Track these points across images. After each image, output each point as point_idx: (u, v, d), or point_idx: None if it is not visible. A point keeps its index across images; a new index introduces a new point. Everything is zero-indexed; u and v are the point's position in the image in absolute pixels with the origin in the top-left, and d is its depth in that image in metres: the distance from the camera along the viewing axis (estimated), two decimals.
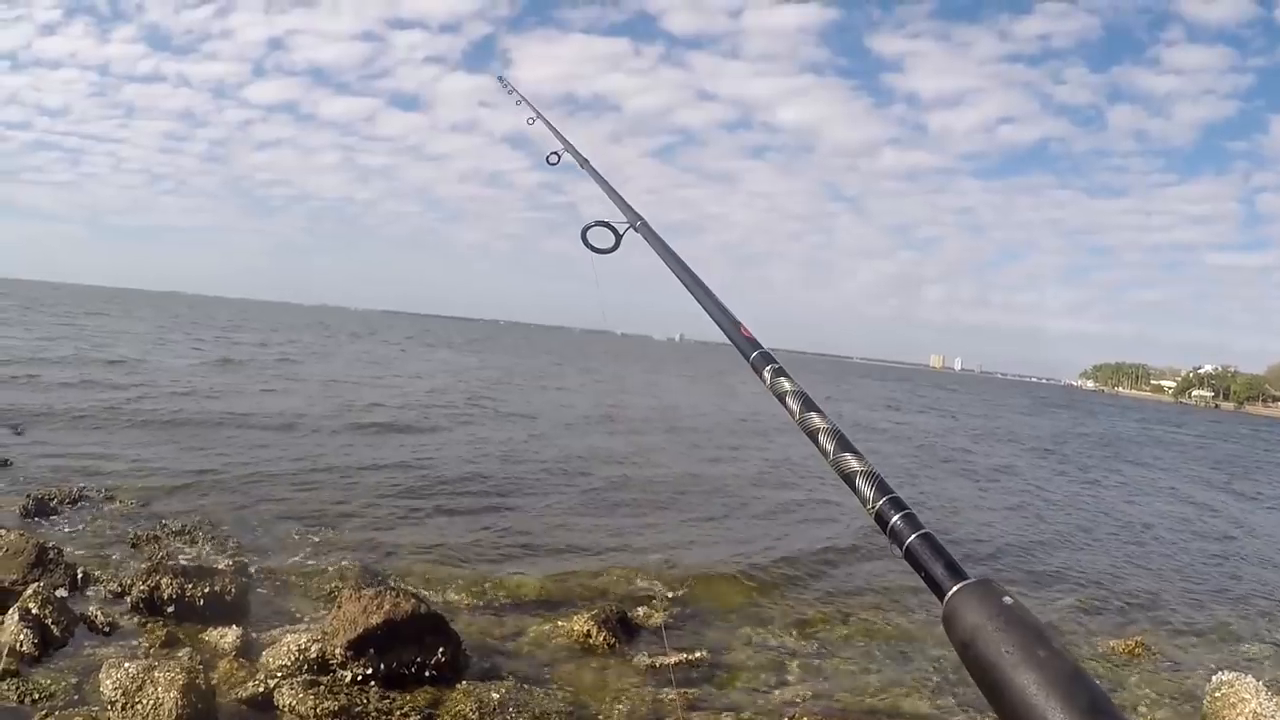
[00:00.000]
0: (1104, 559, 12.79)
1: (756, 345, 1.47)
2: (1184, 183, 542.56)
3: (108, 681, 4.84)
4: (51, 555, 6.79)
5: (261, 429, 16.20)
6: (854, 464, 1.12)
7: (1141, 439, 45.04)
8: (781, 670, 6.87)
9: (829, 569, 10.04)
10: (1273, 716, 6.10)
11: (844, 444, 1.16)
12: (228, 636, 6.07)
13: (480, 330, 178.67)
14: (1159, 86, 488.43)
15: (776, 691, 6.43)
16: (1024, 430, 41.21)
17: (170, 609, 6.28)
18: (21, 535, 7.02)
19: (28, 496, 9.10)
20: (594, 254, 2.17)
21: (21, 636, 5.45)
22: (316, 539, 9.12)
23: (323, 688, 5.25)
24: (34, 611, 5.66)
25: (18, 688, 5.02)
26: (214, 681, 5.26)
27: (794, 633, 7.76)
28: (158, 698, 4.72)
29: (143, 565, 6.83)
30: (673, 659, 6.62)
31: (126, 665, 4.93)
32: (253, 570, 7.69)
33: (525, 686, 5.75)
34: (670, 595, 8.34)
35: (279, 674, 5.46)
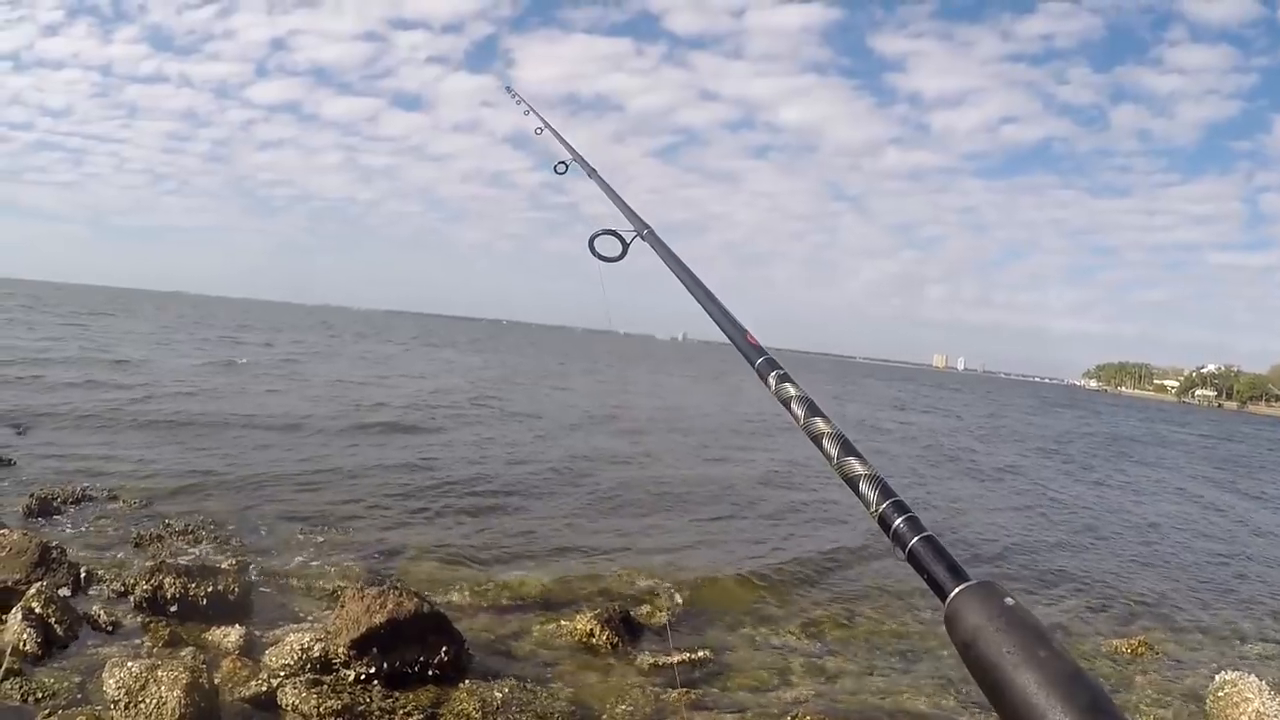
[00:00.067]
0: (1108, 558, 12.78)
1: (762, 352, 1.49)
2: (1187, 183, 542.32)
3: (111, 680, 4.85)
4: (55, 555, 6.80)
5: (266, 429, 16.22)
6: (858, 468, 1.13)
7: (1146, 438, 44.98)
8: (785, 670, 6.87)
9: (832, 569, 10.04)
10: (1276, 716, 6.09)
11: (848, 448, 1.17)
12: (231, 636, 6.08)
13: (483, 330, 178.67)
14: (1162, 86, 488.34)
15: (780, 691, 6.42)
16: (1029, 430, 41.18)
17: (173, 608, 6.29)
18: (25, 535, 7.03)
19: (31, 496, 9.12)
20: (601, 263, 2.18)
21: (25, 636, 5.47)
22: (320, 539, 9.13)
23: (326, 687, 5.26)
24: (37, 611, 5.67)
25: (21, 687, 5.03)
26: (217, 681, 5.26)
27: (798, 632, 7.76)
28: (161, 697, 4.73)
29: (146, 564, 6.84)
30: (676, 658, 6.62)
31: (130, 664, 4.94)
32: (256, 570, 7.71)
33: (528, 686, 5.75)
34: (673, 595, 8.34)
35: (282, 673, 5.46)
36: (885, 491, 1.08)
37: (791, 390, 1.32)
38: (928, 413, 45.67)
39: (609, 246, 2.19)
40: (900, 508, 1.06)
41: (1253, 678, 6.56)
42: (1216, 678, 6.76)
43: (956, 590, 0.93)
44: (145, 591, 6.33)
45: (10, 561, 6.57)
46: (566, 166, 3.14)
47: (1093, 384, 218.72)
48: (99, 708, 4.86)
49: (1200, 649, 8.72)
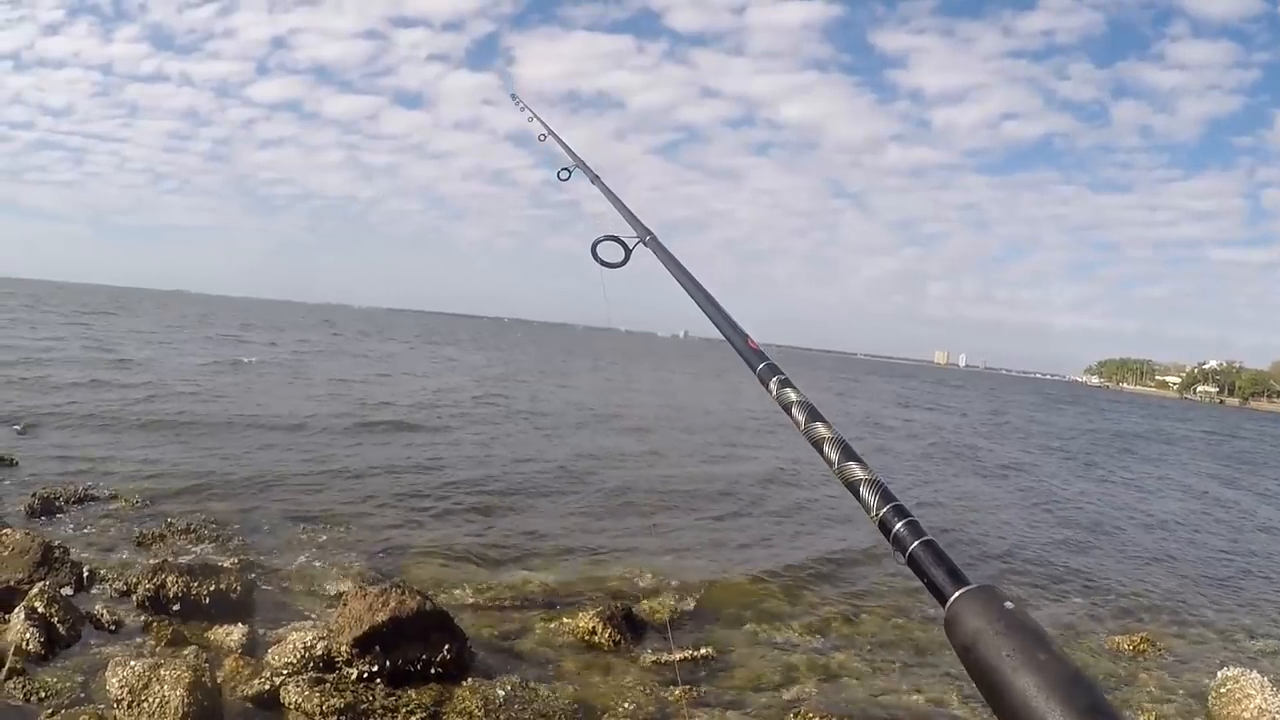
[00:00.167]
0: (1112, 555, 12.79)
1: (763, 357, 1.49)
2: (1188, 178, 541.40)
3: (114, 680, 4.86)
4: (57, 554, 6.81)
5: (270, 429, 16.22)
6: (858, 472, 1.14)
7: (1149, 434, 44.98)
8: (787, 668, 6.87)
9: (835, 569, 10.02)
10: (1278, 713, 6.09)
11: (848, 453, 1.17)
12: (233, 634, 6.09)
13: (484, 328, 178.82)
14: (1163, 82, 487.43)
15: (782, 689, 6.42)
16: (1032, 426, 41.21)
17: (176, 607, 6.30)
18: (27, 534, 7.04)
19: (34, 495, 9.13)
20: (604, 269, 2.19)
21: (28, 635, 5.47)
22: (323, 538, 9.13)
23: (328, 685, 5.26)
24: (40, 610, 5.68)
25: (24, 686, 5.04)
26: (220, 679, 5.27)
27: (800, 631, 7.75)
28: (164, 695, 4.74)
29: (148, 564, 6.85)
30: (678, 656, 6.63)
31: (132, 663, 4.95)
32: (258, 569, 7.72)
33: (530, 684, 5.75)
34: (676, 593, 8.34)
35: (285, 672, 5.47)
36: (885, 496, 1.09)
37: (793, 395, 1.33)
38: (931, 410, 45.66)
39: (612, 252, 2.20)
40: (900, 512, 1.06)
41: (1255, 674, 6.56)
42: (1218, 674, 6.77)
43: (956, 594, 0.93)
44: (148, 590, 6.33)
45: (13, 561, 6.58)
46: (570, 173, 3.14)
47: (1094, 380, 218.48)
48: (102, 707, 4.87)
49: (1202, 645, 8.72)
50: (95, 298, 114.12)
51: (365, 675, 5.48)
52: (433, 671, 5.67)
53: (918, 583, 0.99)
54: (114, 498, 9.80)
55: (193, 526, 8.81)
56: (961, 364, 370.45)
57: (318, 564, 8.21)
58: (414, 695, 5.43)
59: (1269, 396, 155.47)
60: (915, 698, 6.54)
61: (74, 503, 9.35)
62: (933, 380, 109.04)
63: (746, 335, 1.60)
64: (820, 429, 1.24)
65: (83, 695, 5.08)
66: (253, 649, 5.95)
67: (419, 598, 5.93)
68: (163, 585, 6.32)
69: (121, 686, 4.80)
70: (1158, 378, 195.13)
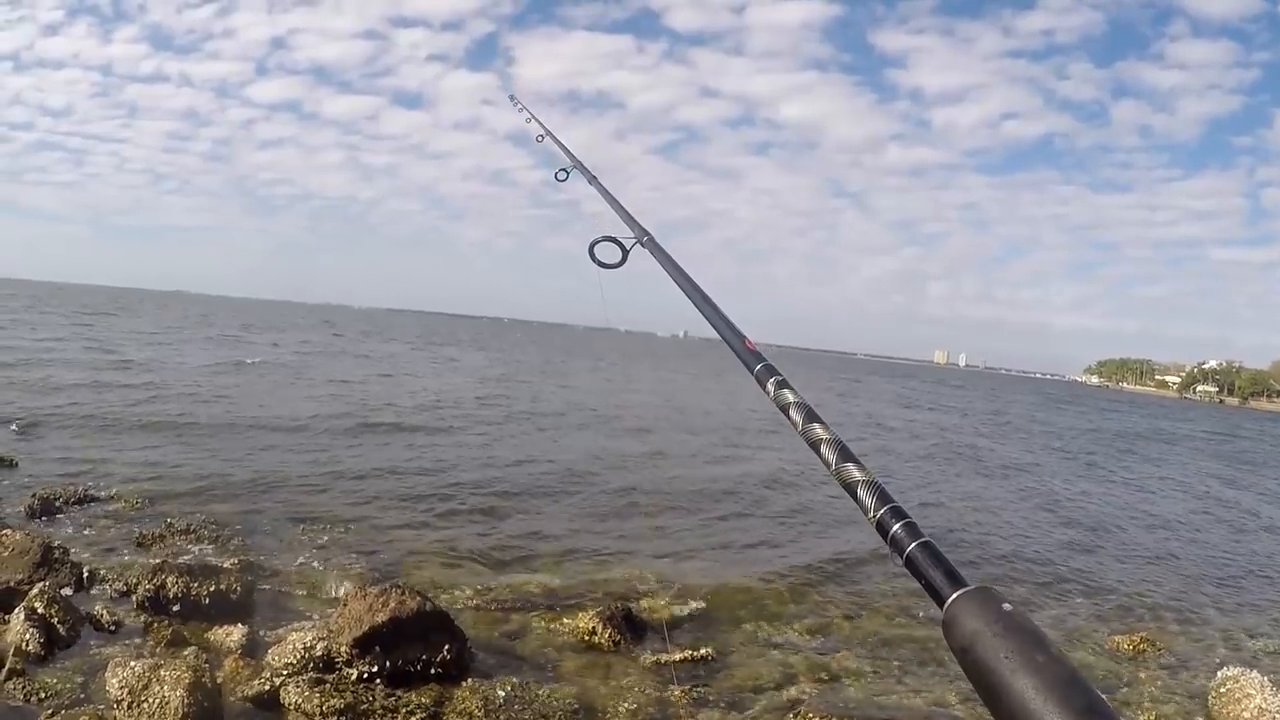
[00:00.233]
0: (1113, 555, 12.79)
1: (760, 358, 1.49)
2: (1188, 178, 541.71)
3: (114, 680, 4.86)
4: (57, 555, 6.81)
5: (271, 430, 16.21)
6: (856, 474, 1.14)
7: (1149, 434, 44.97)
8: (787, 669, 6.86)
9: (836, 571, 10.00)
10: (1278, 712, 6.09)
11: (845, 454, 1.18)
12: (233, 635, 6.09)
13: (484, 328, 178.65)
14: (1163, 82, 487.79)
15: (782, 690, 6.42)
16: (1033, 426, 41.25)
17: (176, 608, 6.30)
18: (27, 535, 7.05)
19: (34, 496, 9.13)
20: (601, 269, 2.19)
21: (27, 636, 5.48)
22: (323, 539, 9.13)
23: (328, 686, 5.26)
24: (40, 611, 5.68)
25: (24, 687, 5.04)
26: (220, 680, 5.28)
27: (800, 632, 7.74)
28: (164, 696, 4.74)
29: (148, 564, 6.85)
30: (677, 656, 6.63)
31: (132, 664, 4.95)
32: (258, 569, 7.71)
33: (530, 684, 5.76)
34: (676, 594, 8.34)
35: (285, 672, 5.47)
36: (883, 497, 1.09)
37: (790, 397, 1.33)
38: (932, 410, 45.64)
39: (609, 253, 2.20)
40: (898, 513, 1.06)
41: (1255, 674, 6.56)
42: (1218, 674, 6.77)
43: (954, 596, 0.93)
44: (148, 591, 6.33)
45: (13, 561, 6.58)
46: (568, 174, 3.14)
47: (1094, 380, 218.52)
48: (102, 707, 4.87)
49: (1202, 645, 8.71)
50: (96, 298, 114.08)
51: (365, 676, 5.48)
52: (433, 672, 5.67)
53: (918, 585, 0.99)
54: (114, 498, 9.80)
55: (193, 527, 8.81)
56: (961, 364, 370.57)
57: (318, 565, 8.21)
58: (414, 696, 5.43)
59: (1269, 396, 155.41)
60: (915, 699, 6.53)
61: (74, 503, 9.34)
62: (933, 380, 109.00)
63: (744, 336, 1.60)
64: (817, 430, 1.24)
65: (82, 696, 5.08)
66: (253, 649, 5.95)
67: (419, 598, 5.93)
68: (163, 586, 6.33)
69: (121, 687, 4.80)
70: (1157, 377, 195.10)
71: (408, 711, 5.24)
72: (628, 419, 24.42)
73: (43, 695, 5.01)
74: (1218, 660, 7.81)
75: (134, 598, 6.47)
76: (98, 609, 6.27)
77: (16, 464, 10.99)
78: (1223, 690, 6.49)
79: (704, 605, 8.11)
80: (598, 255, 2.18)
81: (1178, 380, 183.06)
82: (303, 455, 14.00)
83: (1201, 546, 14.44)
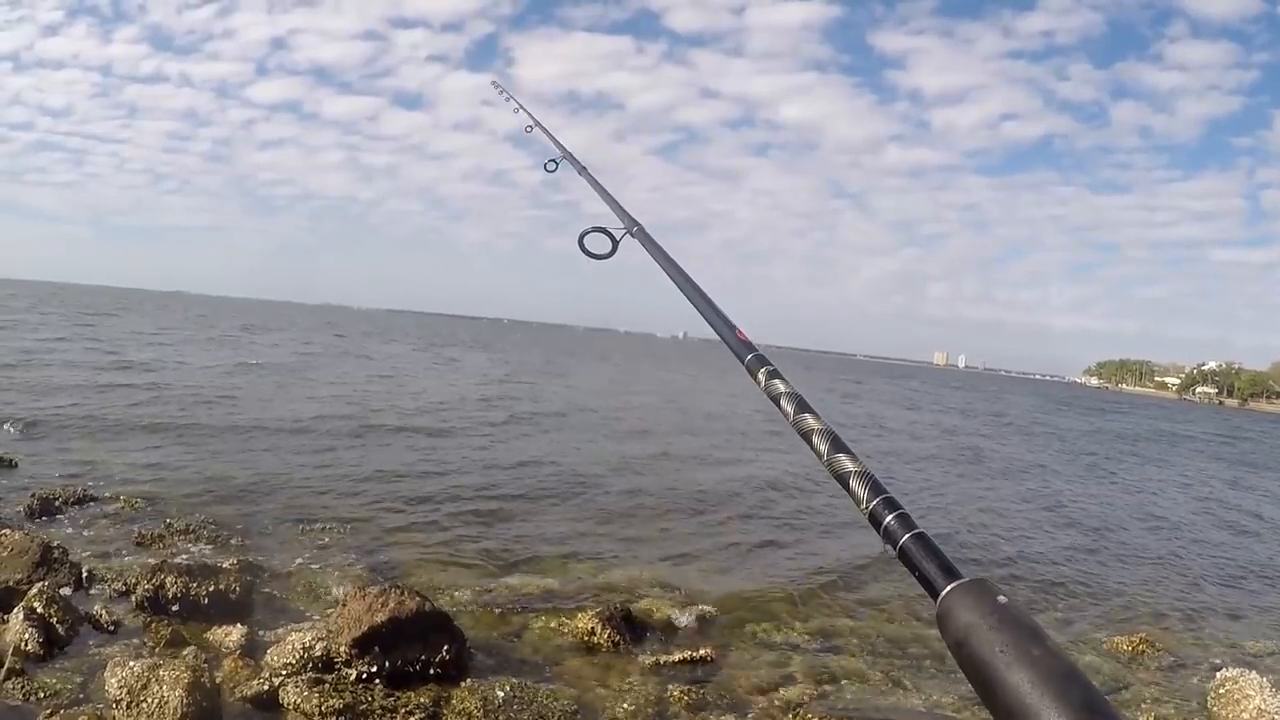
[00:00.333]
0: (1112, 555, 12.79)
1: (751, 348, 1.47)
2: (1188, 179, 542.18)
3: (113, 680, 4.86)
4: (56, 554, 6.80)
5: (272, 431, 16.16)
6: (848, 465, 1.12)
7: (1150, 435, 44.96)
8: (787, 670, 6.85)
9: (837, 573, 9.97)
10: (1277, 713, 6.08)
11: (838, 445, 1.16)
12: (232, 635, 6.08)
13: (485, 329, 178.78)
14: (1163, 82, 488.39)
15: (782, 690, 6.41)
16: (1035, 428, 41.25)
17: (175, 608, 6.29)
18: (26, 535, 7.05)
19: (33, 496, 9.12)
20: (591, 259, 2.19)
21: (26, 635, 5.47)
22: (323, 540, 9.13)
23: (327, 686, 5.26)
24: (39, 610, 5.68)
25: (23, 686, 5.04)
26: (219, 680, 5.27)
27: (800, 633, 7.72)
28: (163, 696, 4.74)
29: (147, 564, 6.85)
30: (676, 657, 6.63)
31: (131, 664, 4.95)
32: (258, 569, 7.69)
33: (529, 684, 5.75)
34: (675, 594, 8.34)
35: (284, 672, 5.46)
36: (876, 488, 1.07)
37: (781, 387, 1.31)
38: (934, 411, 45.63)
39: (599, 244, 2.20)
40: (891, 504, 1.04)
41: (1254, 675, 6.55)
42: (1217, 675, 6.76)
43: (948, 588, 0.91)
44: (147, 591, 6.33)
45: (12, 561, 6.58)
46: (557, 164, 3.13)
47: (1094, 381, 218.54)
48: (101, 707, 4.87)
49: (1202, 646, 8.70)
50: (97, 299, 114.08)
51: (364, 676, 5.48)
52: (432, 672, 5.67)
53: (920, 586, 0.98)
54: (113, 499, 9.79)
55: (192, 527, 8.80)
56: (961, 365, 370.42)
57: (317, 565, 8.20)
58: (413, 696, 5.43)
59: (1268, 397, 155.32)
60: (915, 699, 6.53)
61: (73, 503, 9.33)
62: (933, 381, 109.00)
63: (735, 327, 1.59)
64: (809, 420, 1.22)
65: (81, 695, 5.07)
66: (252, 649, 5.94)
67: (418, 599, 5.93)
68: (162, 586, 6.32)
69: (120, 687, 4.80)
70: (1157, 379, 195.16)
71: (407, 711, 5.24)
72: (629, 420, 24.38)
73: (42, 695, 5.00)
74: (1217, 661, 7.80)
75: (133, 597, 6.47)
76: (97, 609, 6.26)
77: (16, 464, 10.98)
78: (1222, 691, 6.48)
79: (704, 606, 8.09)
80: (587, 246, 2.17)
81: (1177, 382, 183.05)
82: (303, 456, 13.99)
83: (1202, 547, 14.43)
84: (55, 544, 7.01)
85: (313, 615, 6.82)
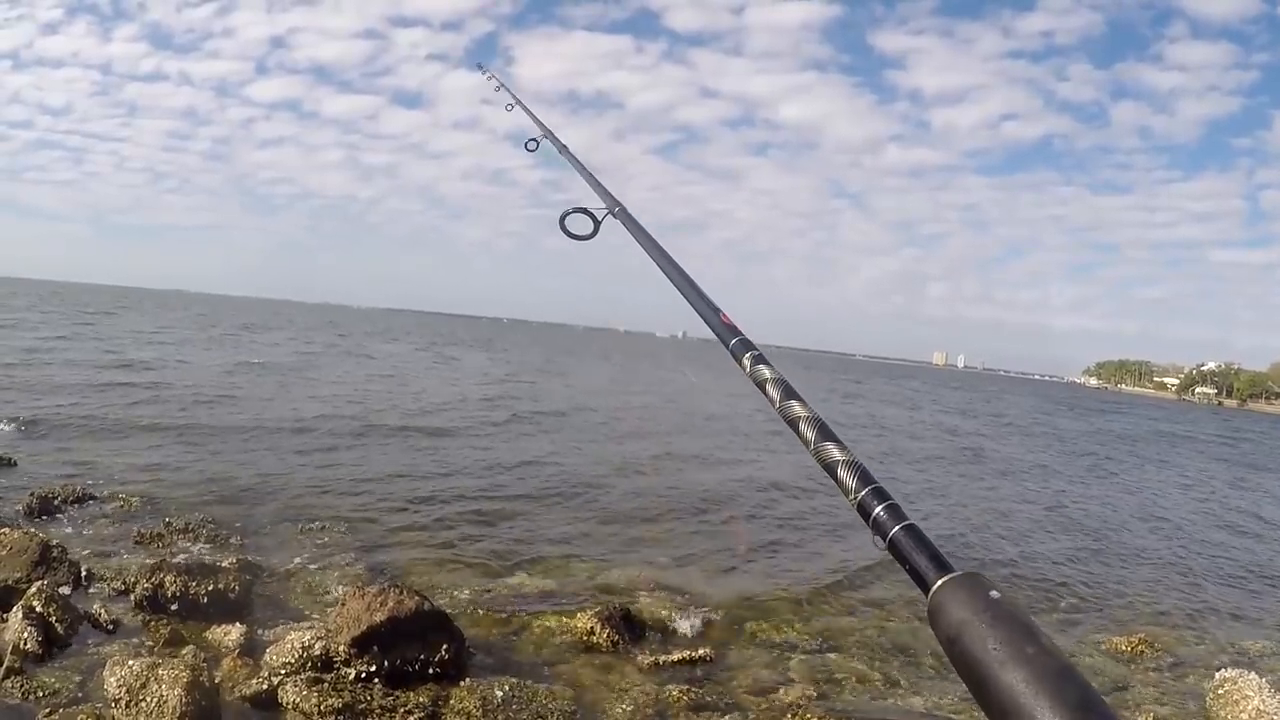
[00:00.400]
0: (1112, 555, 12.77)
1: (736, 332, 1.45)
2: (1188, 179, 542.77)
3: (112, 679, 4.85)
4: (55, 553, 6.81)
5: (273, 430, 16.15)
6: (836, 453, 1.09)
7: (1150, 436, 44.94)
8: (786, 670, 6.85)
9: (837, 574, 9.95)
10: (1276, 714, 6.08)
11: (825, 433, 1.13)
12: (231, 634, 6.08)
13: (485, 328, 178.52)
14: (1163, 83, 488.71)
15: (781, 690, 6.41)
16: (1035, 428, 41.26)
17: (174, 607, 6.30)
18: (25, 533, 7.04)
19: (32, 495, 9.12)
20: (573, 240, 2.18)
21: (25, 634, 5.47)
22: (323, 539, 9.12)
23: (326, 685, 5.26)
24: (38, 609, 5.68)
25: (22, 685, 5.04)
26: (218, 679, 5.27)
27: (800, 633, 7.71)
28: (162, 695, 4.73)
29: (146, 563, 6.84)
30: (675, 656, 6.63)
31: (130, 663, 4.94)
32: (257, 568, 7.68)
33: (528, 684, 5.74)
34: (675, 594, 8.34)
35: (283, 671, 5.46)
36: (864, 478, 1.04)
37: (767, 373, 1.29)
38: (935, 411, 45.64)
39: (581, 225, 2.18)
40: (880, 495, 1.01)
41: (1253, 675, 6.55)
42: (1216, 675, 6.75)
43: (940, 582, 0.90)
44: (146, 590, 6.33)
45: (11, 560, 6.58)
46: (538, 143, 3.10)
47: (1093, 382, 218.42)
48: (100, 706, 4.87)
49: (1201, 646, 8.70)
50: (97, 297, 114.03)
51: (363, 675, 5.47)
52: (431, 671, 5.67)
53: (912, 581, 0.96)
54: (113, 498, 9.79)
55: (191, 526, 8.80)
56: (960, 365, 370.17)
57: (316, 564, 8.20)
58: (412, 695, 5.43)
59: (1267, 398, 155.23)
60: (915, 700, 6.53)
61: (73, 502, 9.33)
62: (932, 381, 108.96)
63: (719, 310, 1.56)
64: (796, 407, 1.19)
65: (80, 694, 5.08)
66: (251, 649, 5.94)
67: (417, 598, 5.92)
68: (161, 585, 6.32)
69: (119, 686, 4.80)
70: (1156, 379, 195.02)
71: (406, 711, 5.24)
72: (629, 420, 24.36)
73: (41, 694, 5.01)
74: (1216, 662, 7.79)
75: (132, 596, 6.47)
76: (96, 608, 6.26)
77: (15, 463, 10.98)
78: (1221, 691, 6.48)
79: (703, 606, 8.09)
80: (569, 227, 2.17)
81: (1176, 382, 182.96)
82: (304, 456, 13.97)
83: (1203, 547, 14.42)
84: (54, 543, 7.02)
85: (312, 614, 6.82)
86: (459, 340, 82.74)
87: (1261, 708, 6.13)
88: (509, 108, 3.60)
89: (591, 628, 6.86)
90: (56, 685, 5.12)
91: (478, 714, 5.31)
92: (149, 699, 4.73)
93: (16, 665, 5.21)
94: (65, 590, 6.41)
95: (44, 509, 8.93)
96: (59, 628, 5.71)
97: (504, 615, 7.33)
